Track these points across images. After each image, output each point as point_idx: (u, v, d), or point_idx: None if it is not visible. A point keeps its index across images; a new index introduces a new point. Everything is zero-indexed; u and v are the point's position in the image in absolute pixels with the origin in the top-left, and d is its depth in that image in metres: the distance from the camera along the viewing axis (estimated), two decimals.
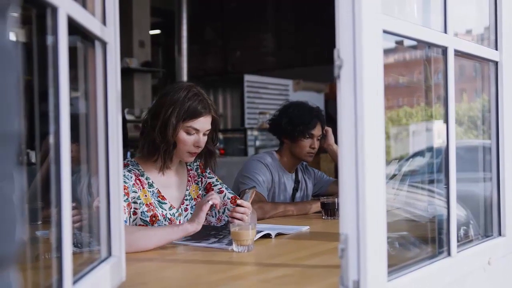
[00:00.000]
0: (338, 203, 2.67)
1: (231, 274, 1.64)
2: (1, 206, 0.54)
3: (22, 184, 0.59)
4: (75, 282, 1.08)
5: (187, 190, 2.35)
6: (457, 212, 1.57)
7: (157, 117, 2.18)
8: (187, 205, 2.33)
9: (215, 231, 2.17)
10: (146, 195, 2.19)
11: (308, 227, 2.38)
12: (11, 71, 0.54)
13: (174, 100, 2.17)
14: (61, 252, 1.01)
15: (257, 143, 7.57)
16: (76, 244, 1.32)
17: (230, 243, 1.93)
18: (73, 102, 1.09)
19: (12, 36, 0.57)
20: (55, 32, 0.99)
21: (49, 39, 1.00)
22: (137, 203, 2.15)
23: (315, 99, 6.70)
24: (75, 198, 1.14)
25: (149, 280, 1.59)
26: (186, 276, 1.66)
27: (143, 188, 2.19)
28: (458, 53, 1.59)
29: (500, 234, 1.82)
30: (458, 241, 1.56)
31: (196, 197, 2.37)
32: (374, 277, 1.18)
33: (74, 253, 1.06)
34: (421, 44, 1.62)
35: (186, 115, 2.16)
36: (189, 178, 2.38)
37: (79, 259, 1.31)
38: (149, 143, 2.21)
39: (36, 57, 1.08)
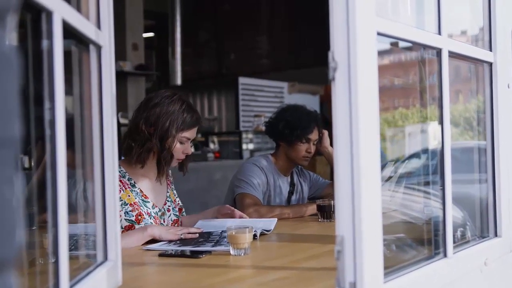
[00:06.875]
0: (334, 206, 2.66)
1: (228, 277, 1.64)
2: (1, 209, 0.54)
3: (21, 188, 0.60)
4: (71, 286, 1.08)
5: (167, 192, 2.46)
6: (453, 214, 1.57)
7: (153, 127, 2.25)
8: (168, 206, 2.43)
9: (204, 238, 2.14)
10: (129, 195, 2.26)
11: (275, 219, 2.43)
12: (11, 76, 0.54)
13: (169, 111, 2.26)
14: (57, 257, 1.00)
15: (252, 146, 7.55)
16: (71, 248, 1.31)
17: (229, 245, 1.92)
18: (67, 106, 1.09)
19: (11, 41, 0.57)
20: (50, 36, 0.99)
21: (44, 43, 1.00)
22: (119, 204, 2.18)
23: (310, 102, 6.71)
24: (70, 203, 1.14)
25: (145, 284, 1.59)
26: (182, 280, 1.66)
27: (125, 189, 2.26)
28: (452, 55, 1.59)
29: (496, 235, 1.83)
30: (454, 242, 1.57)
31: (173, 200, 2.47)
32: (370, 278, 1.18)
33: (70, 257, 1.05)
34: (416, 45, 1.63)
35: (183, 126, 2.28)
36: (168, 182, 2.49)
37: (75, 263, 1.31)
38: (146, 151, 2.26)
39: (30, 61, 1.07)
